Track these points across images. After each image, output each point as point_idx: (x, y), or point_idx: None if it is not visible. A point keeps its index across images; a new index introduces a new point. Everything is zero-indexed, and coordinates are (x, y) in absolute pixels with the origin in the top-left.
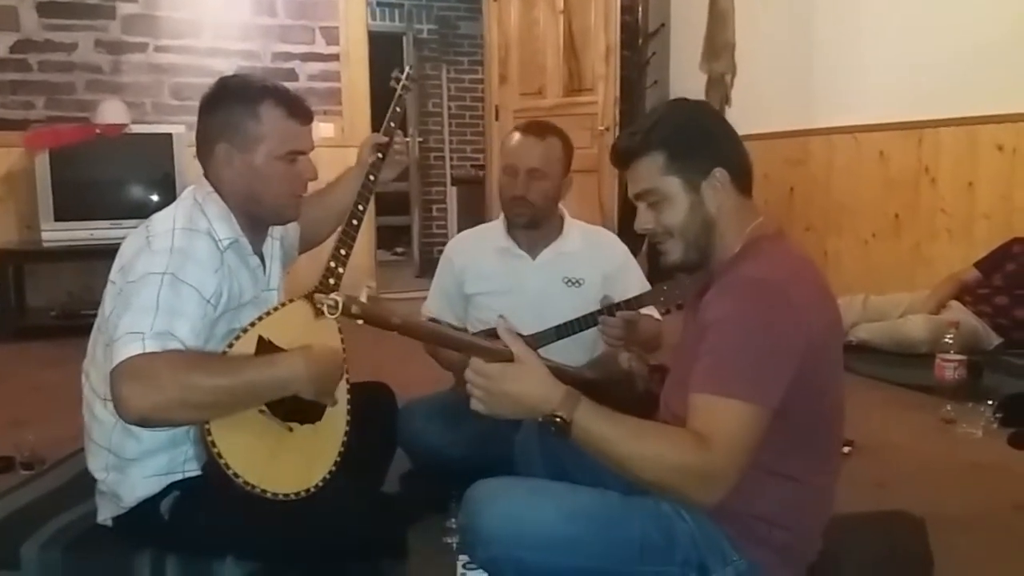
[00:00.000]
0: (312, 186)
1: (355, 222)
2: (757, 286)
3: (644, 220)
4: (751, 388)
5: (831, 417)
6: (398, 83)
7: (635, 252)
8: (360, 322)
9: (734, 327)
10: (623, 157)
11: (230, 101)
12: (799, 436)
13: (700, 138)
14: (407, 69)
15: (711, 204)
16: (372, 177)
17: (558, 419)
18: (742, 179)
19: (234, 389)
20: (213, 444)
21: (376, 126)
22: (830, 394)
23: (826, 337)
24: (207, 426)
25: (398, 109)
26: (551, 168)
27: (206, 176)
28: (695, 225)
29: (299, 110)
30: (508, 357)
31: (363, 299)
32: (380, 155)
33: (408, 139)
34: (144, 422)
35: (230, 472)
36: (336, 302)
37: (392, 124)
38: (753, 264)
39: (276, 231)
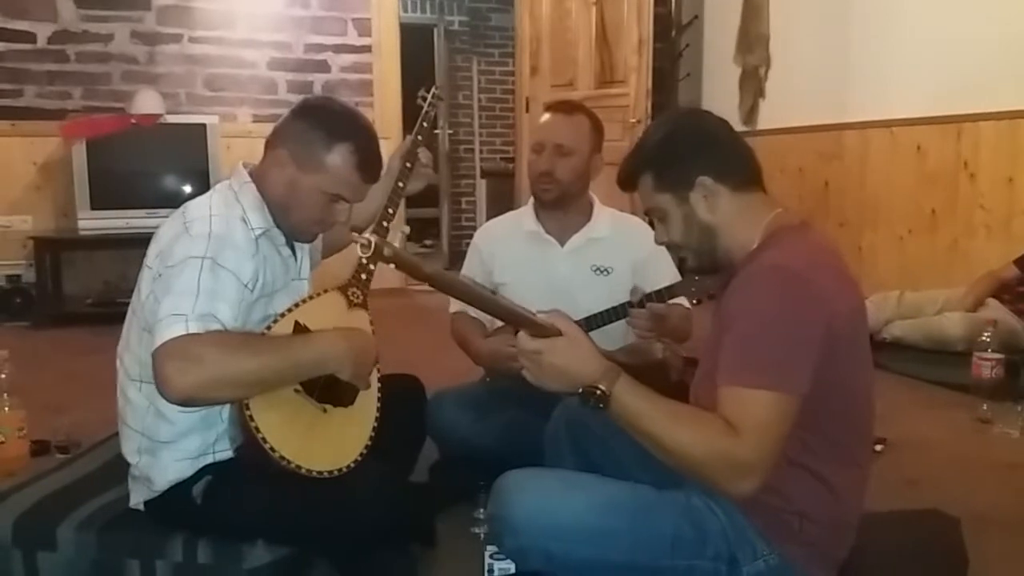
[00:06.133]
0: None
1: (385, 224)
2: (776, 273)
3: (658, 234)
4: (776, 377)
5: (858, 408)
6: (424, 101)
7: None
8: (392, 266)
9: (755, 316)
10: (624, 183)
11: (319, 120)
12: (826, 427)
13: (678, 151)
14: (433, 89)
15: (703, 212)
16: (401, 183)
17: (598, 391)
18: (737, 178)
19: (276, 366)
20: (251, 419)
21: (407, 118)
22: (856, 384)
23: (849, 324)
24: (246, 400)
25: (425, 124)
26: (578, 145)
27: (258, 165)
28: (695, 235)
29: (370, 168)
30: (555, 332)
31: (396, 244)
32: (408, 164)
33: (430, 155)
34: (188, 401)
35: (267, 446)
36: (369, 241)
37: (419, 137)
38: (772, 253)
39: None
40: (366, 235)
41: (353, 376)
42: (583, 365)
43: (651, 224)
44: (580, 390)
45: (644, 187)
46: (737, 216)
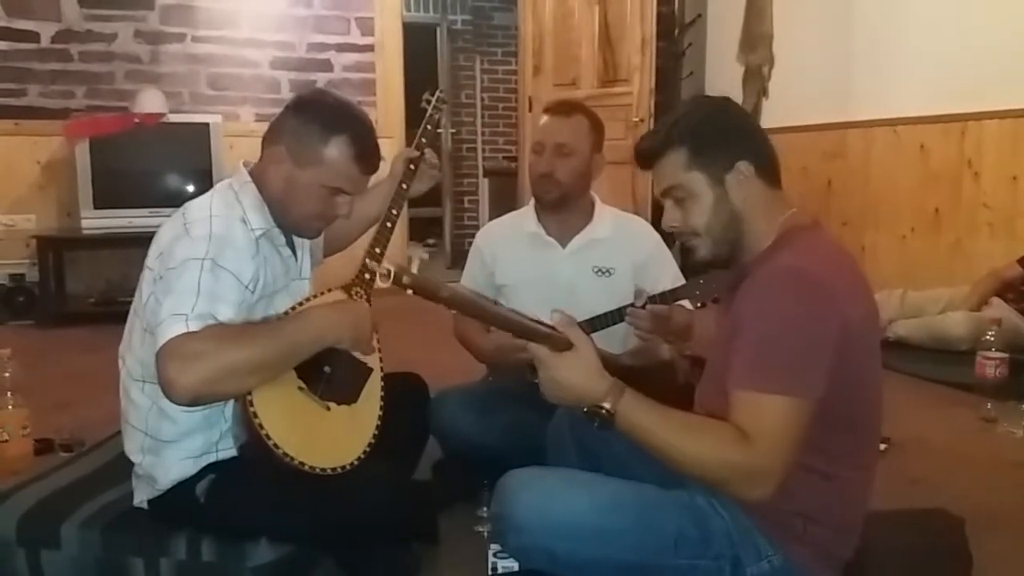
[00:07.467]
0: None
1: (389, 224)
2: (792, 275)
3: (671, 218)
4: (792, 381)
5: (867, 411)
6: (429, 104)
7: (670, 243)
8: (410, 292)
9: (770, 318)
10: (647, 156)
11: (314, 115)
12: (836, 430)
13: (722, 132)
14: (438, 92)
15: (736, 197)
16: (405, 185)
17: (603, 410)
18: (769, 171)
19: (275, 349)
20: (255, 415)
21: (410, 117)
22: (866, 387)
23: (863, 328)
24: (249, 397)
25: (429, 127)
26: (578, 144)
27: (256, 163)
28: (722, 220)
29: (368, 159)
30: (565, 343)
31: (414, 270)
32: (412, 166)
33: (438, 158)
34: (195, 399)
35: (271, 443)
36: (389, 271)
37: (424, 140)
38: (787, 254)
39: None
40: (386, 264)
41: (354, 343)
42: (587, 383)
43: (654, 225)
44: (585, 408)
45: (672, 163)
46: (762, 209)
